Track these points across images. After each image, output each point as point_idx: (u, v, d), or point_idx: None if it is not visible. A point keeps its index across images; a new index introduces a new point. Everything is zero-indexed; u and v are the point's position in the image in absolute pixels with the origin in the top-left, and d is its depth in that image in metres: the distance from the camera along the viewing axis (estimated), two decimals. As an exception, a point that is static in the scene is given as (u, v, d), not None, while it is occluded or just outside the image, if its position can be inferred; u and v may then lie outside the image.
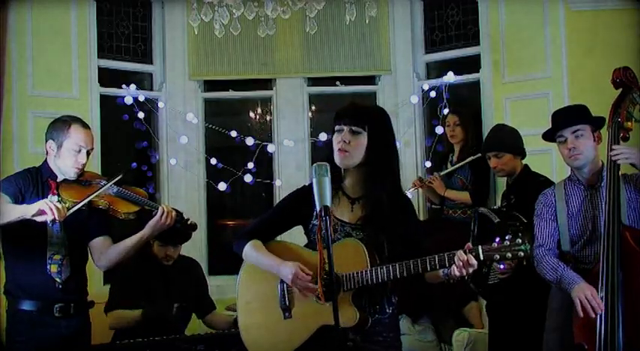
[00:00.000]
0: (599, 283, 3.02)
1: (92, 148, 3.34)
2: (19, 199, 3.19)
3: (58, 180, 3.30)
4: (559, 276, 3.17)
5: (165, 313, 4.12)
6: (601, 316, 2.99)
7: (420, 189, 5.53)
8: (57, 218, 2.99)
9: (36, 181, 3.27)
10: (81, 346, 3.33)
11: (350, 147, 2.63)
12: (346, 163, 2.66)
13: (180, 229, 3.52)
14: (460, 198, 5.29)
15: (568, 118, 3.32)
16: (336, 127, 2.68)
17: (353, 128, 2.64)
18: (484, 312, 4.74)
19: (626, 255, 3.03)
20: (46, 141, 3.31)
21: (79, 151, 3.26)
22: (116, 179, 3.32)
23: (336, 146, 2.65)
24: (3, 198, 3.16)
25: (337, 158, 2.66)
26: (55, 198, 3.23)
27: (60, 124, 3.29)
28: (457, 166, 5.36)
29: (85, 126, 3.33)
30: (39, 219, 3.00)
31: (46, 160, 3.34)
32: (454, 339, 4.95)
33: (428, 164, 5.90)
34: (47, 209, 2.98)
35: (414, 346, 5.07)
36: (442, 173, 5.42)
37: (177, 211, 3.45)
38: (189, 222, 3.54)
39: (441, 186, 5.36)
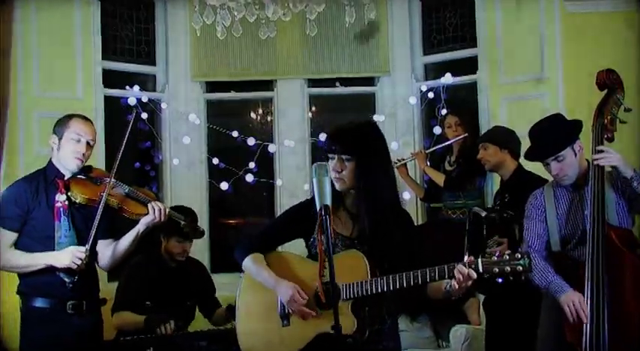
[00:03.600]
0: (585, 283, 3.05)
1: (93, 141, 3.34)
2: (25, 220, 3.23)
3: (65, 178, 3.30)
4: (548, 282, 3.21)
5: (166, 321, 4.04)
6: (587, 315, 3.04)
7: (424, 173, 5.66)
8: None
9: (37, 188, 3.26)
10: (93, 343, 3.34)
11: (343, 175, 2.65)
12: (342, 187, 2.67)
13: (187, 230, 3.61)
14: (435, 177, 5.40)
15: (545, 145, 3.30)
16: (329, 154, 2.69)
17: (343, 157, 2.65)
18: (482, 309, 4.77)
19: (611, 255, 3.04)
20: (50, 137, 3.34)
21: (79, 140, 3.26)
22: (112, 173, 3.29)
23: (331, 173, 2.65)
24: (8, 236, 3.22)
25: (335, 184, 2.67)
26: (63, 197, 3.24)
27: (63, 120, 3.34)
28: (443, 144, 5.50)
29: (86, 119, 3.37)
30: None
31: (50, 160, 3.35)
32: (452, 335, 4.97)
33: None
34: (65, 264, 3.14)
35: (412, 342, 5.09)
36: (428, 151, 5.59)
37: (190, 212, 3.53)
38: (199, 229, 3.67)
39: (423, 160, 5.50)
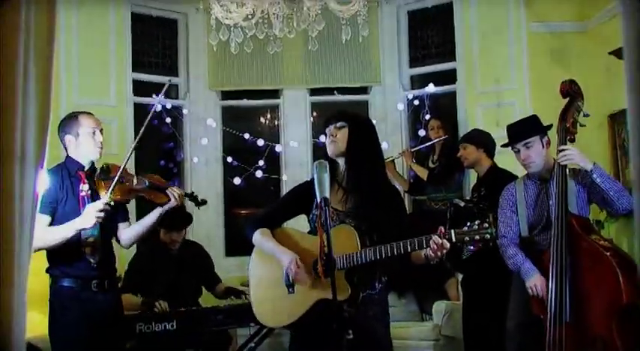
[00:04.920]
0: (550, 263, 3.10)
1: (101, 129, 3.31)
2: (55, 208, 3.17)
3: (85, 169, 3.26)
4: (518, 266, 3.31)
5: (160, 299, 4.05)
6: (551, 291, 3.08)
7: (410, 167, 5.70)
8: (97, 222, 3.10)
9: (61, 180, 3.19)
10: (115, 317, 3.34)
11: (337, 138, 2.78)
12: (334, 150, 2.77)
13: (193, 203, 3.63)
14: (420, 172, 5.45)
15: (518, 133, 3.39)
16: (326, 131, 2.84)
17: (337, 124, 2.78)
18: (460, 287, 4.83)
19: (572, 239, 3.11)
20: (63, 138, 3.25)
21: (94, 132, 3.24)
22: (121, 168, 3.20)
23: (327, 142, 2.81)
24: (43, 219, 3.09)
25: (328, 149, 2.79)
26: (86, 187, 3.22)
27: (70, 120, 3.26)
28: (426, 144, 5.57)
29: (89, 113, 3.33)
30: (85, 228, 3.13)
31: (67, 156, 3.28)
32: (434, 309, 5.07)
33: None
34: (91, 222, 3.07)
35: (399, 316, 5.18)
36: (414, 149, 5.64)
37: (186, 193, 3.59)
38: (199, 199, 3.64)
39: (409, 158, 5.56)
